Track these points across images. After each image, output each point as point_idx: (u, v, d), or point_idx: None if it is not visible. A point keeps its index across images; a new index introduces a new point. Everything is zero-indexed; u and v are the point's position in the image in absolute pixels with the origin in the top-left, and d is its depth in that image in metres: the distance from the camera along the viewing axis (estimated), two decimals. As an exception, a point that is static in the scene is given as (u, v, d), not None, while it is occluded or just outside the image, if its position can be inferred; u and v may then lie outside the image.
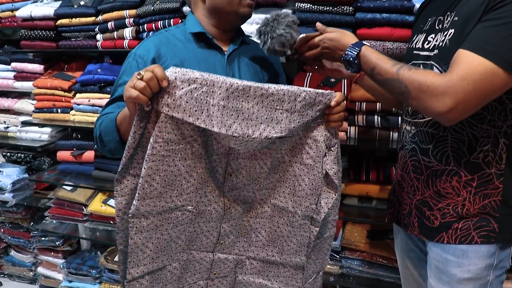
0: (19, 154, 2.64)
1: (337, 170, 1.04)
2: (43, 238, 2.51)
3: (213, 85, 0.86)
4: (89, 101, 2.17)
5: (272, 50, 1.13)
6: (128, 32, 2.04)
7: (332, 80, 1.78)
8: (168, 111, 0.85)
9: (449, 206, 1.07)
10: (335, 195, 1.05)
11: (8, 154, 2.65)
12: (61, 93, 2.25)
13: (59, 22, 2.17)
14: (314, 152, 1.02)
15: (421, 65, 1.08)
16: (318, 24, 1.14)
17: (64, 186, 2.31)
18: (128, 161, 0.92)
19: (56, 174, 2.38)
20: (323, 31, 1.12)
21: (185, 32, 1.20)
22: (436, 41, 1.06)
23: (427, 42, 1.10)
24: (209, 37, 1.18)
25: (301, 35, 1.13)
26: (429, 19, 1.12)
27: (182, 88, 0.84)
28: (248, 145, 0.95)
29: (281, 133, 0.95)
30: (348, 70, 1.11)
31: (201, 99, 0.86)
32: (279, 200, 1.07)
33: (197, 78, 0.85)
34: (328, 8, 1.70)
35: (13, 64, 2.41)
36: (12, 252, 2.69)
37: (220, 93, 0.87)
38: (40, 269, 2.61)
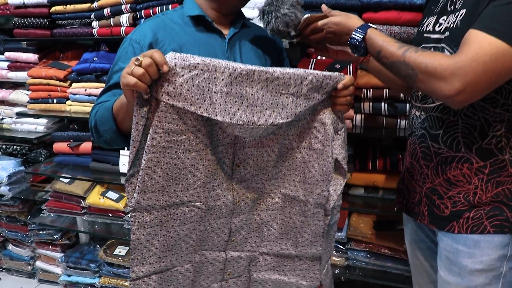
0: (14, 146, 2.62)
1: (345, 155, 1.01)
2: (41, 232, 2.49)
3: (215, 70, 0.82)
4: (85, 90, 2.14)
5: (276, 30, 1.10)
6: (125, 18, 1.99)
7: (338, 66, 1.75)
8: (168, 99, 0.81)
9: (460, 194, 1.04)
10: (343, 181, 1.03)
11: (4, 146, 2.63)
12: (57, 82, 2.22)
13: (53, 9, 2.13)
14: (322, 136, 0.99)
15: (432, 49, 1.05)
16: (324, 6, 1.12)
17: (61, 179, 2.29)
18: (136, 156, 0.87)
19: (52, 166, 2.35)
20: (328, 13, 1.10)
21: (183, 15, 1.15)
22: (448, 23, 1.02)
23: (438, 24, 1.06)
24: (208, 20, 1.14)
25: (306, 15, 1.11)
26: (441, 0, 1.08)
27: (183, 75, 0.80)
28: (253, 133, 0.91)
29: (287, 118, 0.91)
30: (354, 54, 1.09)
31: (203, 86, 0.82)
32: (289, 189, 1.04)
33: (198, 63, 0.81)
34: (333, -9, 1.64)
35: (7, 54, 2.38)
36: (10, 246, 2.66)
37: (222, 79, 0.83)
38: (39, 263, 2.60)
